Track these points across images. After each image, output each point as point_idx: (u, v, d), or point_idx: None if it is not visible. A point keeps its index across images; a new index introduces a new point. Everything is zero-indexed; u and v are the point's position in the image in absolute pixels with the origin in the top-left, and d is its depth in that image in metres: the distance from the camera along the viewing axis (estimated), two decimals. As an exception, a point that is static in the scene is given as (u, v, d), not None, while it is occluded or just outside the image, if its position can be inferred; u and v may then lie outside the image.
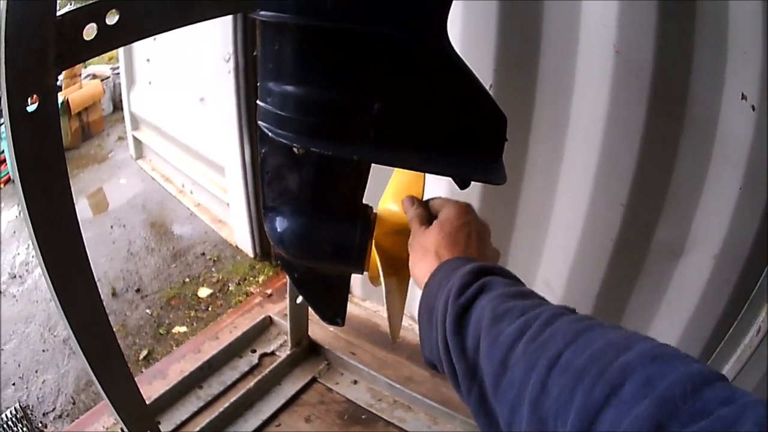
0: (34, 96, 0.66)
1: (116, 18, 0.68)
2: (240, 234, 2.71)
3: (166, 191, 3.47)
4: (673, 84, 1.31)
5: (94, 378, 1.01)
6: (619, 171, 1.42)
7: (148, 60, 3.27)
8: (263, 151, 0.91)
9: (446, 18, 0.76)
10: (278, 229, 0.93)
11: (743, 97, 1.23)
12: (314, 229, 0.92)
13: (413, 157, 0.80)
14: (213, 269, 2.88)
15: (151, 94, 3.37)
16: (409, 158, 0.81)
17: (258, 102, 0.83)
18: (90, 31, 0.68)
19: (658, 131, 1.36)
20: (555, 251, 1.64)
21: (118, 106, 4.95)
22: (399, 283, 0.95)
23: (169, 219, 3.36)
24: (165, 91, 3.20)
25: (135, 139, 3.74)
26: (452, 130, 0.81)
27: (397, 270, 0.92)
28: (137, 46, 3.27)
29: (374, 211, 0.97)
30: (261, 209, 0.98)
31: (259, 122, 0.83)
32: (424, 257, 0.77)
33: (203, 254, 3.00)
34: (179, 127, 3.15)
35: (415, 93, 0.78)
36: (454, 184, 0.88)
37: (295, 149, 0.83)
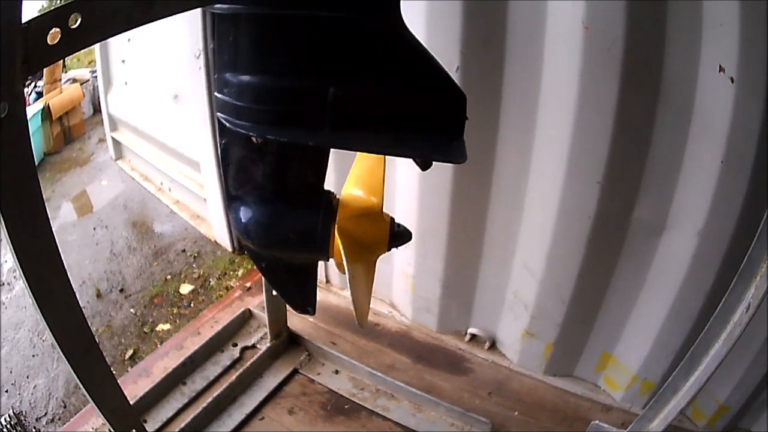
0: (3, 103, 0.66)
1: (78, 21, 0.68)
2: (218, 229, 2.69)
3: (146, 190, 3.45)
4: (646, 58, 1.29)
5: (78, 380, 1.01)
6: (593, 148, 1.40)
7: (123, 61, 3.24)
8: (223, 142, 0.89)
9: None
10: (243, 220, 0.91)
11: (721, 69, 1.21)
12: (277, 217, 0.91)
13: (371, 141, 0.79)
14: (194, 265, 2.86)
15: (127, 95, 3.33)
16: (367, 142, 0.79)
17: (215, 94, 0.82)
18: (54, 36, 0.69)
19: (632, 106, 1.34)
20: (532, 232, 1.62)
21: (97, 108, 4.93)
22: (364, 268, 0.94)
23: (150, 218, 3.34)
24: (140, 91, 3.17)
25: (114, 140, 3.71)
26: (410, 111, 0.80)
27: (362, 254, 0.91)
28: (113, 47, 3.25)
29: (337, 196, 0.96)
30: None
31: (218, 114, 0.82)
32: None
33: (184, 251, 2.99)
34: (155, 125, 3.12)
35: (369, 75, 0.76)
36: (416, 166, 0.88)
37: (253, 138, 0.82)
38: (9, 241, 0.78)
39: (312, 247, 0.92)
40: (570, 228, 1.54)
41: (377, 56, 0.76)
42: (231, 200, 0.93)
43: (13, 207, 0.76)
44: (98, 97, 4.65)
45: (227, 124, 0.80)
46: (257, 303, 2.11)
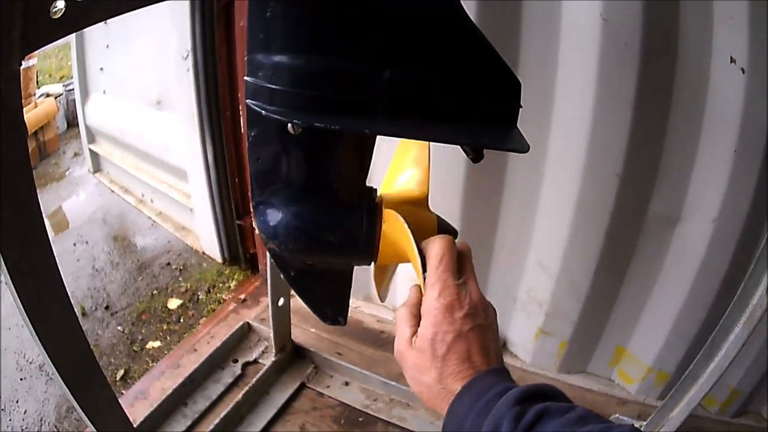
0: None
1: (86, -8, 0.57)
2: (206, 239, 2.54)
3: (126, 202, 3.26)
4: (661, 51, 1.27)
5: (78, 408, 0.89)
6: (612, 140, 1.35)
7: (101, 69, 3.04)
8: (252, 134, 0.77)
9: None
10: (271, 222, 0.80)
11: (732, 60, 1.20)
12: (315, 217, 0.80)
13: (428, 129, 0.70)
14: (180, 279, 2.73)
15: (105, 105, 3.14)
16: (425, 130, 0.70)
17: (246, 78, 0.72)
18: (58, 8, 0.57)
19: (649, 98, 1.31)
20: (548, 228, 1.54)
21: (71, 123, 4.80)
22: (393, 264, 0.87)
23: (131, 231, 3.20)
24: (120, 99, 2.98)
25: (92, 152, 3.48)
26: (467, 98, 0.71)
27: (399, 255, 0.83)
28: (90, 55, 3.06)
29: (378, 193, 0.87)
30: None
31: (248, 101, 0.72)
32: (430, 380, 0.64)
33: (168, 264, 2.85)
34: (136, 134, 2.93)
35: (428, 58, 0.68)
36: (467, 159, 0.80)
37: (290, 128, 0.72)
38: (1, 257, 0.65)
39: (355, 249, 0.81)
40: (588, 223, 1.47)
41: (437, 37, 0.67)
42: (259, 199, 0.82)
43: (5, 218, 0.63)
44: (72, 111, 4.45)
45: (261, 112, 0.68)
46: (254, 315, 1.99)
